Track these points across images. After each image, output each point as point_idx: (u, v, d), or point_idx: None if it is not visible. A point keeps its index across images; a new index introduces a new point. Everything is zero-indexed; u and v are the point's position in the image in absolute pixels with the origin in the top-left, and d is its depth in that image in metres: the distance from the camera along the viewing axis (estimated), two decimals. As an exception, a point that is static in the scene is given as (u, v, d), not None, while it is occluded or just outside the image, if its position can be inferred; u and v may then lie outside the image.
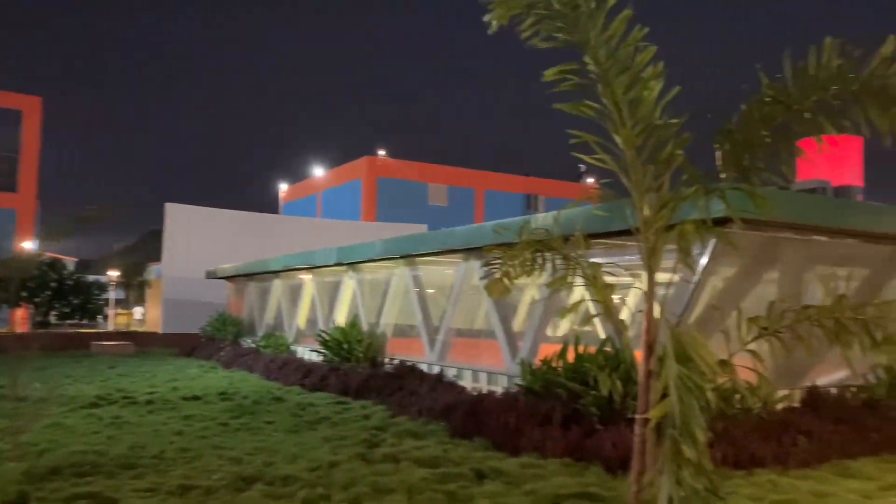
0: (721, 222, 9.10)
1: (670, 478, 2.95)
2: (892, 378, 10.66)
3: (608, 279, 5.13)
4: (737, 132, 3.23)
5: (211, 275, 28.83)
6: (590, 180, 53.05)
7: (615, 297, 3.69)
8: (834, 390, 11.00)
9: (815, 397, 10.50)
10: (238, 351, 21.84)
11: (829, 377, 11.91)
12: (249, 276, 25.77)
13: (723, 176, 3.49)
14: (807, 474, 7.78)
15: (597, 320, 11.34)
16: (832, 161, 25.08)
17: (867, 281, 12.01)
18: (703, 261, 9.94)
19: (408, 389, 12.55)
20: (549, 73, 3.21)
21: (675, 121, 3.20)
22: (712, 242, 9.67)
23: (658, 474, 3.01)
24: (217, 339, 24.71)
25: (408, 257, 15.99)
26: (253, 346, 22.20)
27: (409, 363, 14.69)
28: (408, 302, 16.68)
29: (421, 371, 14.07)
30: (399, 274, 16.97)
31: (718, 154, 3.28)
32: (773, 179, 3.47)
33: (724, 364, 3.31)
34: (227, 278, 28.78)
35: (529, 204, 55.09)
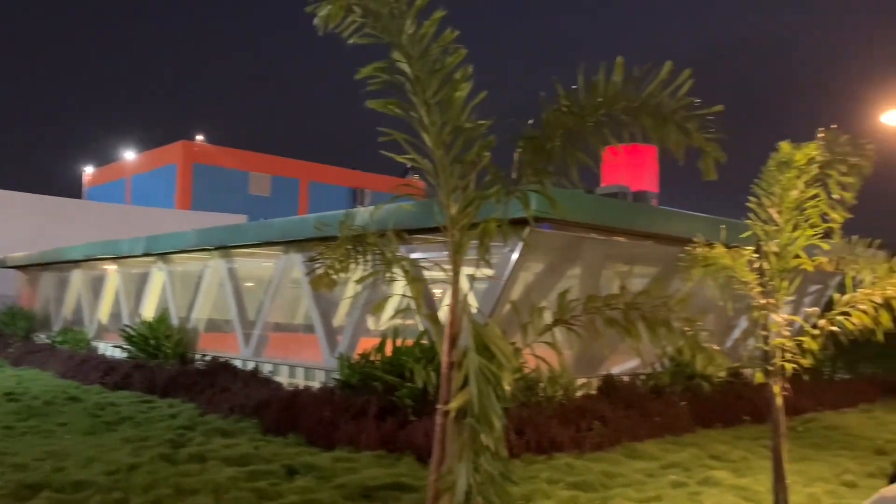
0: (528, 221, 9.65)
1: (468, 464, 3.07)
2: (676, 367, 11.81)
3: (427, 274, 5.26)
4: (535, 138, 3.43)
5: (0, 263, 26.07)
6: (415, 176, 53.93)
7: (437, 292, 3.80)
8: (627, 378, 12.02)
9: (609, 385, 11.40)
10: (30, 347, 19.92)
11: (623, 366, 13.00)
12: (45, 265, 23.58)
13: (523, 178, 3.68)
14: (600, 456, 8.43)
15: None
16: (632, 168, 27.39)
17: (658, 278, 13.20)
18: (514, 257, 10.45)
19: (220, 386, 12.09)
20: (364, 72, 3.24)
21: (481, 123, 3.33)
22: (520, 240, 10.20)
23: (457, 461, 3.13)
24: (6, 335, 22.38)
25: (224, 248, 15.38)
26: (48, 341, 20.34)
27: (222, 359, 14.14)
28: (223, 295, 16.05)
29: (235, 367, 13.60)
30: (214, 266, 16.27)
31: (517, 157, 3.47)
32: (568, 183, 3.72)
33: (518, 353, 3.50)
34: (18, 268, 26.16)
35: (356, 198, 54.95)
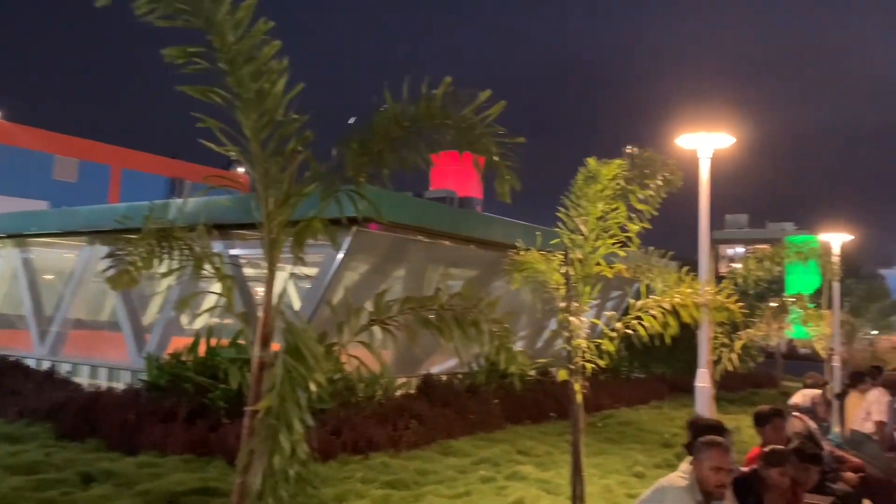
0: (357, 221, 9.64)
1: (263, 466, 3.01)
2: (490, 366, 12.30)
3: (250, 271, 5.09)
4: (360, 140, 3.44)
5: None
6: (240, 169, 51.94)
7: (261, 290, 3.67)
8: (445, 377, 12.35)
9: (428, 384, 11.66)
10: None
11: (442, 366, 13.35)
12: None
13: (347, 177, 3.67)
14: (416, 454, 8.59)
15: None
16: (459, 175, 28.28)
17: (477, 280, 13.68)
18: (339, 257, 10.40)
19: (8, 388, 10.95)
20: (171, 53, 3.06)
21: (297, 118, 3.28)
22: (346, 240, 10.17)
23: (258, 463, 3.05)
24: None
25: (18, 237, 13.97)
26: None
27: (12, 358, 12.83)
28: (16, 288, 14.58)
29: (27, 367, 12.40)
30: (6, 255, 14.73)
31: (339, 156, 3.45)
32: (392, 186, 3.77)
33: (333, 354, 3.48)
34: None
35: (174, 188, 51.95)
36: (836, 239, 14.34)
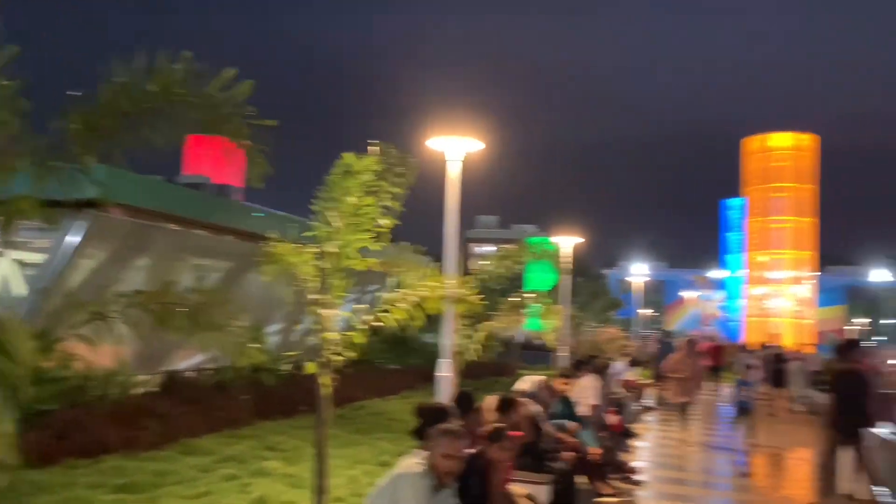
0: (95, 205, 8.79)
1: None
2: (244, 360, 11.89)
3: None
4: (85, 115, 3.15)
5: None
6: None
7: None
8: (192, 374, 11.73)
9: (173, 381, 11.01)
10: None
11: (189, 361, 12.66)
12: None
13: (73, 155, 3.34)
14: (155, 455, 8.06)
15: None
16: (216, 161, 27.00)
17: (230, 273, 13.17)
18: (71, 242, 9.43)
19: None
20: None
21: (6, 83, 2.92)
22: (83, 224, 9.26)
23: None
24: None
25: None
26: None
27: None
28: None
29: None
30: None
31: (62, 131, 3.13)
32: (127, 165, 3.49)
33: (50, 350, 3.16)
34: None
35: None
36: (568, 241, 15.89)
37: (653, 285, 50.50)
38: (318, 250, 6.02)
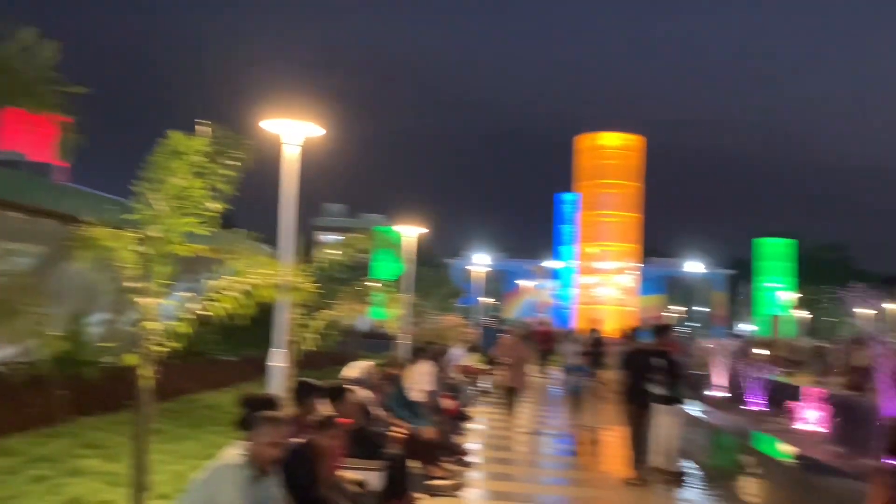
0: None
1: None
2: (64, 353, 11.04)
3: None
4: None
5: None
6: None
7: None
8: (2, 369, 10.72)
9: (-25, 377, 10.00)
10: None
11: (-3, 354, 11.56)
12: None
13: None
14: (-49, 459, 7.31)
15: None
16: (32, 137, 24.61)
17: (46, 258, 12.14)
18: None
19: None
20: None
21: None
22: None
23: None
24: None
25: None
26: None
27: None
28: None
29: None
30: None
31: None
32: None
33: None
34: None
35: None
36: (412, 231, 16.07)
37: (493, 275, 52.28)
38: (139, 235, 5.70)
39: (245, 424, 3.96)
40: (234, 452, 3.82)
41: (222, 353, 17.52)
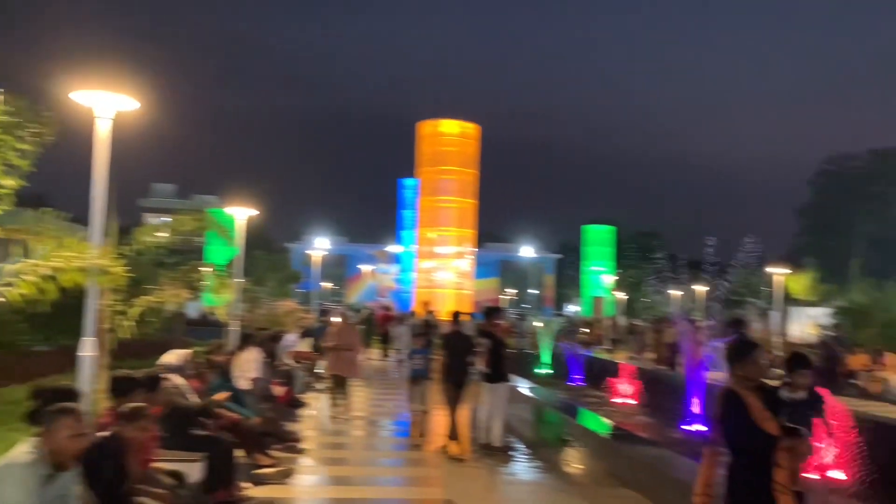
0: None
1: None
2: None
3: None
4: None
5: None
6: None
7: None
8: None
9: None
10: None
11: None
12: None
13: None
14: None
15: None
16: None
17: None
18: None
19: None
20: None
21: None
22: None
23: None
24: None
25: None
26: None
27: None
28: None
29: None
30: None
31: None
32: None
33: None
34: None
35: None
36: (243, 213, 15.48)
37: (336, 259, 51.80)
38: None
39: (37, 418, 3.63)
40: (22, 450, 3.50)
41: (34, 342, 16.11)
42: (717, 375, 15.72)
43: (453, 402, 9.73)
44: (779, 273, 26.64)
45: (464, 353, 9.72)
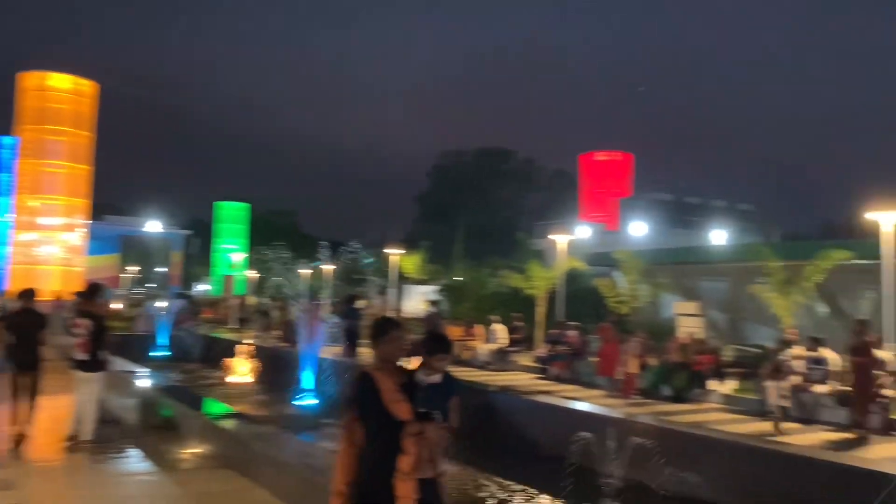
0: None
1: None
2: None
3: None
4: None
5: None
6: None
7: None
8: None
9: None
10: None
11: None
12: None
13: None
14: None
15: None
16: None
17: None
18: None
19: None
20: None
21: None
22: None
23: None
24: None
25: None
26: None
27: None
28: None
29: None
30: None
31: None
32: None
33: None
34: None
35: None
36: None
37: None
38: None
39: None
40: None
41: None
42: (333, 351, 16.44)
43: (24, 390, 8.63)
44: (395, 254, 28.82)
45: (32, 336, 8.70)
